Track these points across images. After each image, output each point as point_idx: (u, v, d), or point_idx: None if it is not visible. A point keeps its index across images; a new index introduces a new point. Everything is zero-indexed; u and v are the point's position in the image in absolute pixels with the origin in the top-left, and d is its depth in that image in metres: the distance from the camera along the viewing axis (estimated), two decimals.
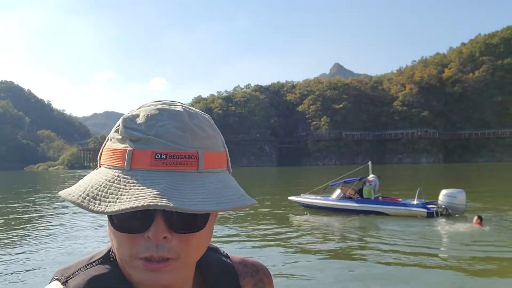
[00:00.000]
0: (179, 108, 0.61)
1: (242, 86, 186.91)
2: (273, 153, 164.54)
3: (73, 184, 0.53)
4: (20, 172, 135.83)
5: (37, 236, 11.66)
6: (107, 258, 0.65)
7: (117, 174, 0.56)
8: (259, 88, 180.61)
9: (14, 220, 15.38)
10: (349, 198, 14.75)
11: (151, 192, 0.52)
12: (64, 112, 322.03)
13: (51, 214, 16.91)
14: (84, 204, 0.53)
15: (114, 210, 0.51)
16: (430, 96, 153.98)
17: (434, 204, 13.47)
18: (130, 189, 0.53)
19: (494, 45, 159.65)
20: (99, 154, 0.64)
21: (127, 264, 0.59)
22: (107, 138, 0.63)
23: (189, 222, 0.58)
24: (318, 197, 15.65)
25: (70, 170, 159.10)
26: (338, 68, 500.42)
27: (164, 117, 0.59)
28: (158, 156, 0.56)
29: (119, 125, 0.60)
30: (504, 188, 26.07)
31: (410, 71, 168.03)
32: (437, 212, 13.11)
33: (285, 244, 9.73)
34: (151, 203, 0.50)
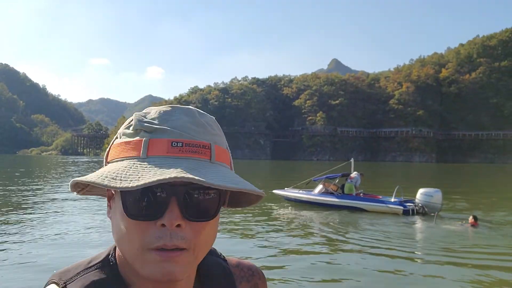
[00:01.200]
0: (190, 107, 0.65)
1: (239, 78, 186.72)
2: (268, 147, 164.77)
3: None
4: (12, 156, 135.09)
5: (25, 224, 11.62)
6: (107, 262, 0.65)
7: (133, 162, 0.58)
8: (256, 81, 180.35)
9: (4, 205, 15.32)
10: (331, 193, 15.09)
11: (174, 169, 0.54)
12: (59, 98, 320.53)
13: (43, 201, 16.85)
14: (105, 182, 0.55)
15: (139, 184, 0.52)
16: (426, 96, 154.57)
17: (412, 202, 13.70)
18: (150, 170, 0.55)
19: (492, 47, 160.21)
20: (106, 153, 0.65)
21: (137, 259, 0.58)
22: (114, 137, 0.64)
23: (202, 211, 0.59)
24: (300, 191, 15.97)
25: (64, 156, 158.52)
26: (336, 64, 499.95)
27: (176, 113, 0.62)
28: (174, 144, 0.58)
29: (130, 122, 0.62)
30: (495, 189, 26.33)
31: (408, 69, 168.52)
32: (413, 210, 13.37)
33: (263, 237, 9.87)
34: (178, 175, 0.52)
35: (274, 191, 16.94)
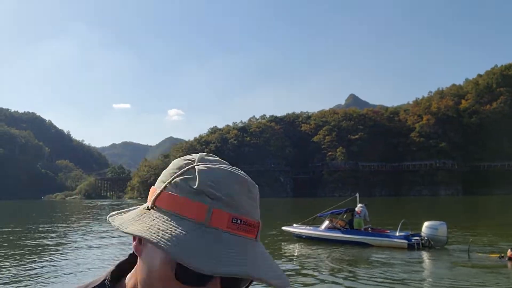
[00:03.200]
0: (244, 175, 0.67)
1: (257, 117, 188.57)
2: (288, 184, 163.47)
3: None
4: (38, 201, 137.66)
5: (47, 267, 11.68)
6: (103, 286, 0.67)
7: (193, 228, 0.59)
8: (274, 119, 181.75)
9: (31, 249, 15.47)
10: (337, 229, 15.43)
11: (241, 258, 0.58)
12: (83, 143, 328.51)
13: (66, 244, 16.97)
14: (172, 250, 0.56)
15: (220, 272, 0.55)
16: (448, 127, 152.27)
17: (419, 236, 13.65)
18: (219, 250, 0.57)
19: (511, 76, 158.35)
20: (155, 194, 0.65)
21: None
22: (165, 182, 0.65)
23: (238, 285, 0.63)
24: (307, 228, 16.44)
25: (87, 200, 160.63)
26: (354, 99, 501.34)
27: (237, 182, 0.64)
28: (234, 220, 0.60)
29: (190, 175, 0.63)
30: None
31: (427, 102, 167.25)
32: (418, 244, 13.31)
33: None
34: (249, 273, 0.57)
35: (283, 228, 17.41)
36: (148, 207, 0.64)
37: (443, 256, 12.18)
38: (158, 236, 0.56)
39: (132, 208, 0.69)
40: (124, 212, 0.68)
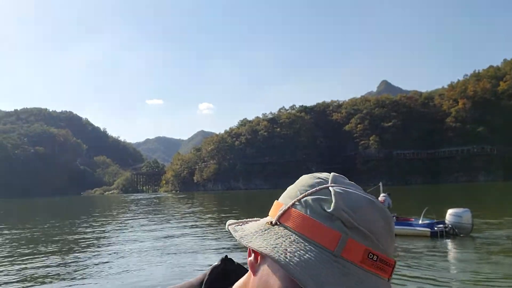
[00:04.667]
0: (384, 207, 0.62)
1: (287, 107, 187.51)
2: None
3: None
4: (78, 197, 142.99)
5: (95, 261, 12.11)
6: (200, 283, 0.67)
7: (324, 256, 0.55)
8: (304, 109, 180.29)
9: (73, 245, 16.11)
10: None
11: None
12: (119, 139, 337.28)
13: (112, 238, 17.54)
14: (301, 277, 0.52)
15: None
16: (485, 111, 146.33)
17: (443, 224, 13.51)
18: (349, 285, 0.53)
19: None
20: (281, 210, 0.61)
21: None
22: (295, 199, 0.61)
23: None
24: None
25: (124, 194, 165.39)
26: (386, 85, 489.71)
27: (375, 213, 0.59)
28: (371, 256, 0.55)
29: (324, 195, 0.59)
30: None
31: (463, 85, 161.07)
32: (442, 232, 13.22)
33: None
34: None
35: None
36: (272, 222, 0.61)
37: (466, 244, 12.06)
38: (286, 258, 0.53)
39: (251, 219, 0.66)
40: (244, 223, 0.66)
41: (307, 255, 0.54)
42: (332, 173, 0.65)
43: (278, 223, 0.60)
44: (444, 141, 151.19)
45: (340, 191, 0.59)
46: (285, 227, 0.59)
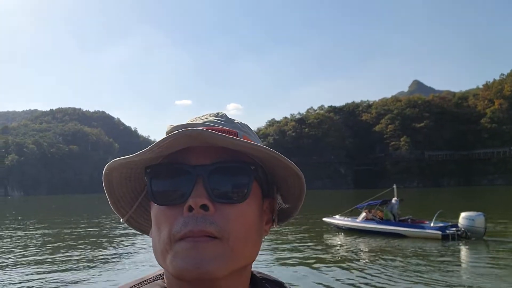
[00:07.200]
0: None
1: (315, 108, 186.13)
2: (349, 176, 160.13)
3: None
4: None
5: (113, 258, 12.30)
6: (160, 278, 0.65)
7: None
8: (332, 109, 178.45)
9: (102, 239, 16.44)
10: (372, 220, 16.15)
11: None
12: (149, 138, 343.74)
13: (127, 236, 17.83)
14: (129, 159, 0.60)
15: (168, 136, 0.53)
16: None
17: (456, 227, 13.66)
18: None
19: None
20: None
21: (168, 254, 0.55)
22: None
23: (231, 192, 0.56)
24: (346, 219, 17.37)
25: None
26: (417, 85, 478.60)
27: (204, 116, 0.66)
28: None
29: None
30: None
31: (499, 85, 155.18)
32: (453, 235, 13.37)
33: (308, 261, 10.79)
34: (197, 129, 0.51)
35: (324, 219, 18.46)
36: None
37: (478, 248, 12.17)
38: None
39: None
40: None
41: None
42: None
43: None
44: (478, 143, 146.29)
45: None
46: None
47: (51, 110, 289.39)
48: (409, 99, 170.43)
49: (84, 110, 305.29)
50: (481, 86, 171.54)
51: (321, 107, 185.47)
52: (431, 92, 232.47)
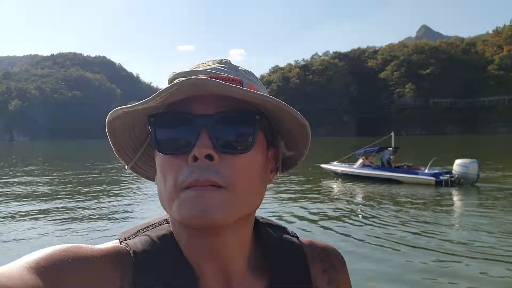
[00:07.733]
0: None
1: (320, 54, 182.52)
2: (352, 123, 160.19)
3: None
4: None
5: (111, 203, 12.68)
6: (166, 222, 0.66)
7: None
8: (338, 55, 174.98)
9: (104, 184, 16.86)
10: (368, 166, 16.50)
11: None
12: (151, 85, 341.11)
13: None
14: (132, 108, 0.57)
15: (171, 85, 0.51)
16: None
17: (450, 174, 14.02)
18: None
19: None
20: None
21: (174, 202, 0.55)
22: None
23: (235, 141, 0.56)
24: (343, 165, 17.66)
25: None
26: (426, 31, 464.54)
27: (209, 62, 0.64)
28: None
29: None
30: None
31: (509, 31, 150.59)
32: (446, 181, 13.73)
33: (303, 205, 11.15)
34: (201, 78, 0.50)
35: (321, 165, 18.73)
36: None
37: (469, 193, 12.59)
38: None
39: None
40: None
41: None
42: None
43: None
44: (484, 90, 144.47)
45: None
46: None
47: (52, 55, 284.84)
48: (416, 45, 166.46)
49: (85, 55, 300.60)
50: (491, 32, 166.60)
51: (326, 53, 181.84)
52: (439, 38, 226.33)
